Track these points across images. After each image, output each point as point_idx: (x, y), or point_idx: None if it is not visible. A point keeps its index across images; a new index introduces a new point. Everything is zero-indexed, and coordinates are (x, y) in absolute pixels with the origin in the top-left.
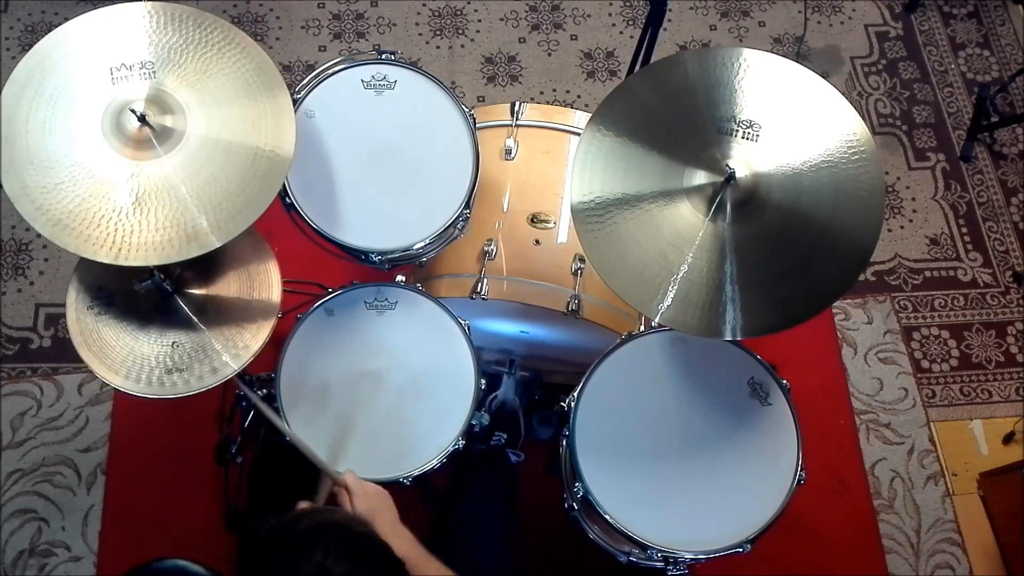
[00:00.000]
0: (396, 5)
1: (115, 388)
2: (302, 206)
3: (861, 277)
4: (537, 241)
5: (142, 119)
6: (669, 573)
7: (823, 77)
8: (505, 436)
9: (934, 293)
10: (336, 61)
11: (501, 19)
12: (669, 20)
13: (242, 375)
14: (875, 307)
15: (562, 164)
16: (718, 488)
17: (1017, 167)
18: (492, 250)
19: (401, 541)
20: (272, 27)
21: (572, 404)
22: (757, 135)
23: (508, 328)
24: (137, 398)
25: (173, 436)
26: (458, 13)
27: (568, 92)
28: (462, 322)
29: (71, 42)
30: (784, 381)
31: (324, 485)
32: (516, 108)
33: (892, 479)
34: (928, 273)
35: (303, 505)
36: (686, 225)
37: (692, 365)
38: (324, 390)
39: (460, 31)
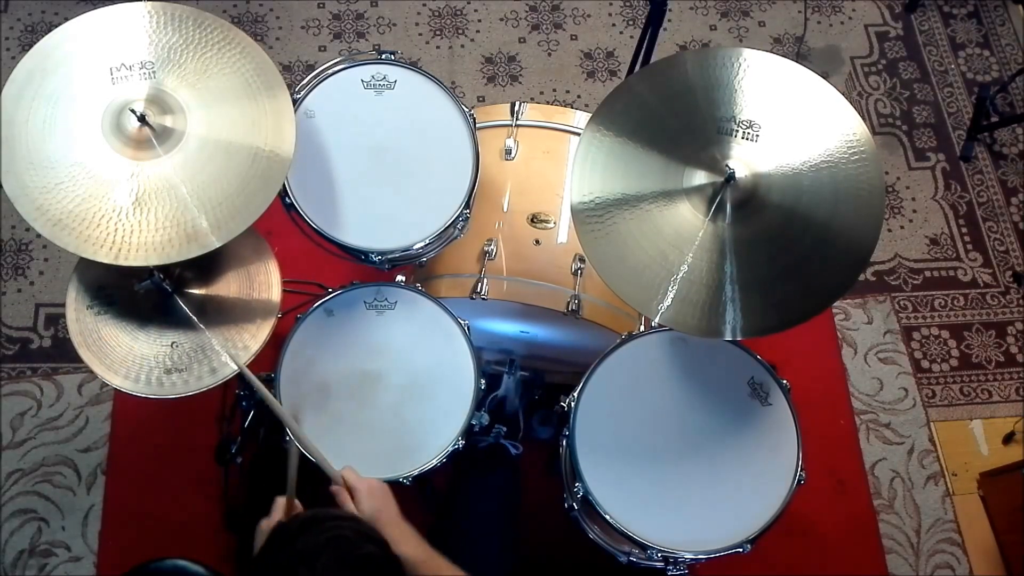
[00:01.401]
0: (396, 5)
1: (115, 388)
2: (302, 206)
3: (861, 277)
4: (537, 241)
5: (142, 119)
6: (669, 573)
7: (823, 77)
8: (504, 429)
9: (934, 293)
10: (336, 61)
11: (501, 19)
12: (669, 20)
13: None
14: (875, 307)
15: (562, 164)
16: (718, 488)
17: (1017, 167)
18: (492, 250)
19: (407, 540)
20: (272, 27)
21: (572, 404)
22: (757, 135)
23: (508, 328)
24: (137, 398)
25: (173, 436)
26: (458, 13)
27: (568, 92)
28: (462, 322)
29: (71, 42)
30: (784, 381)
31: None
32: (516, 108)
33: (892, 479)
34: (928, 273)
35: (297, 509)
36: (686, 225)
37: (692, 365)
38: (324, 390)
39: (460, 31)
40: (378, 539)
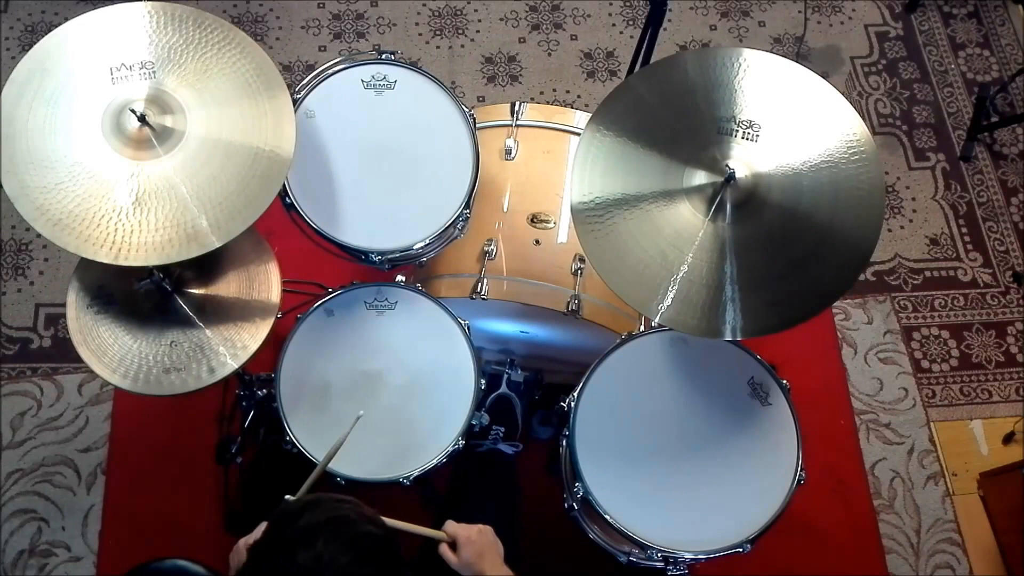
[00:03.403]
0: (396, 5)
1: (115, 387)
2: (302, 206)
3: (861, 277)
4: (537, 241)
5: (142, 119)
6: (669, 573)
7: (823, 77)
8: (503, 430)
9: (934, 293)
10: (336, 61)
11: (501, 19)
12: (669, 20)
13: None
14: (875, 307)
15: (562, 164)
16: (718, 488)
17: (1017, 167)
18: (492, 250)
19: None
20: (272, 27)
21: (572, 404)
22: (757, 135)
23: (508, 328)
24: (137, 398)
25: (173, 436)
26: (458, 13)
27: (568, 92)
28: (462, 322)
29: (71, 42)
30: (784, 381)
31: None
32: (516, 108)
33: (892, 479)
34: (928, 273)
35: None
36: (686, 225)
37: (692, 365)
38: (324, 390)
39: (460, 31)
40: (379, 520)
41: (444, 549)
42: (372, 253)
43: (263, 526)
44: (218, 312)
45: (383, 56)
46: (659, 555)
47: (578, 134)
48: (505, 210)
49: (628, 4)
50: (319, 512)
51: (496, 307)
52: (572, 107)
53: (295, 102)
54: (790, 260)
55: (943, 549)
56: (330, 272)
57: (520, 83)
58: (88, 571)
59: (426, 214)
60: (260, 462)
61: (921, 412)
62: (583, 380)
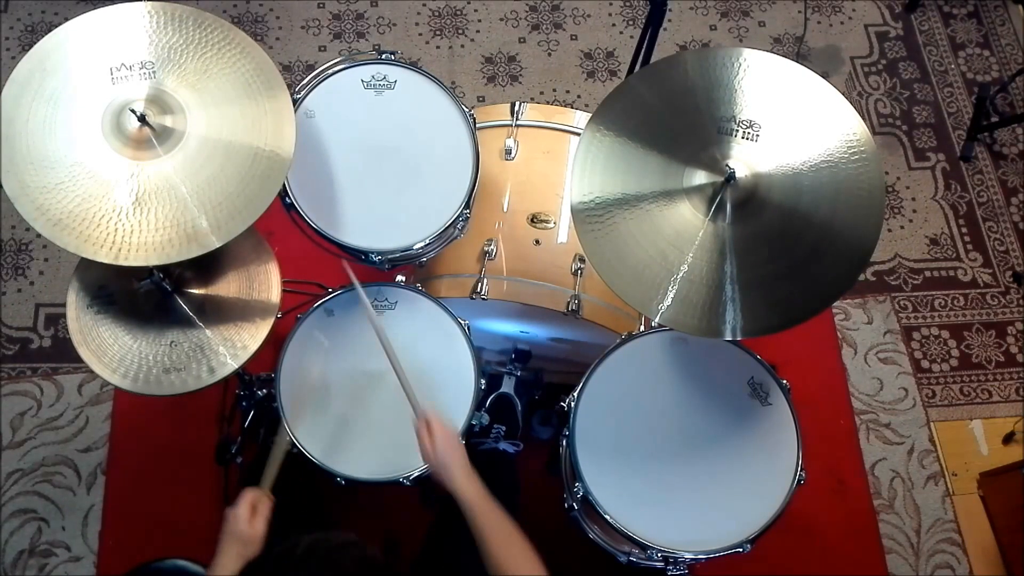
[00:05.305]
0: (396, 5)
1: (115, 387)
2: (302, 206)
3: (861, 277)
4: (537, 241)
5: (142, 119)
6: (669, 573)
7: (823, 77)
8: (504, 428)
9: (934, 293)
10: (336, 61)
11: (501, 19)
12: (669, 20)
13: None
14: (875, 307)
15: (562, 164)
16: (718, 488)
17: (1017, 167)
18: (492, 250)
19: (472, 484)
20: (272, 27)
21: (572, 404)
22: (757, 135)
23: (508, 328)
24: (137, 398)
25: (173, 436)
26: (458, 13)
27: (568, 92)
28: (462, 322)
29: (71, 42)
30: (784, 381)
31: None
32: (516, 108)
33: (892, 479)
34: (928, 273)
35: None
36: (686, 225)
37: (692, 365)
38: (324, 390)
39: (460, 31)
40: (379, 563)
41: (421, 428)
42: (372, 253)
43: (247, 494)
44: (218, 312)
45: (383, 56)
46: (659, 555)
47: (578, 134)
48: (505, 210)
49: (628, 4)
50: (314, 564)
51: (496, 307)
52: (572, 107)
53: (295, 102)
54: (790, 260)
55: (943, 549)
56: (330, 272)
57: (520, 83)
58: (88, 571)
59: (426, 214)
60: (260, 462)
61: (921, 412)
62: (583, 380)
